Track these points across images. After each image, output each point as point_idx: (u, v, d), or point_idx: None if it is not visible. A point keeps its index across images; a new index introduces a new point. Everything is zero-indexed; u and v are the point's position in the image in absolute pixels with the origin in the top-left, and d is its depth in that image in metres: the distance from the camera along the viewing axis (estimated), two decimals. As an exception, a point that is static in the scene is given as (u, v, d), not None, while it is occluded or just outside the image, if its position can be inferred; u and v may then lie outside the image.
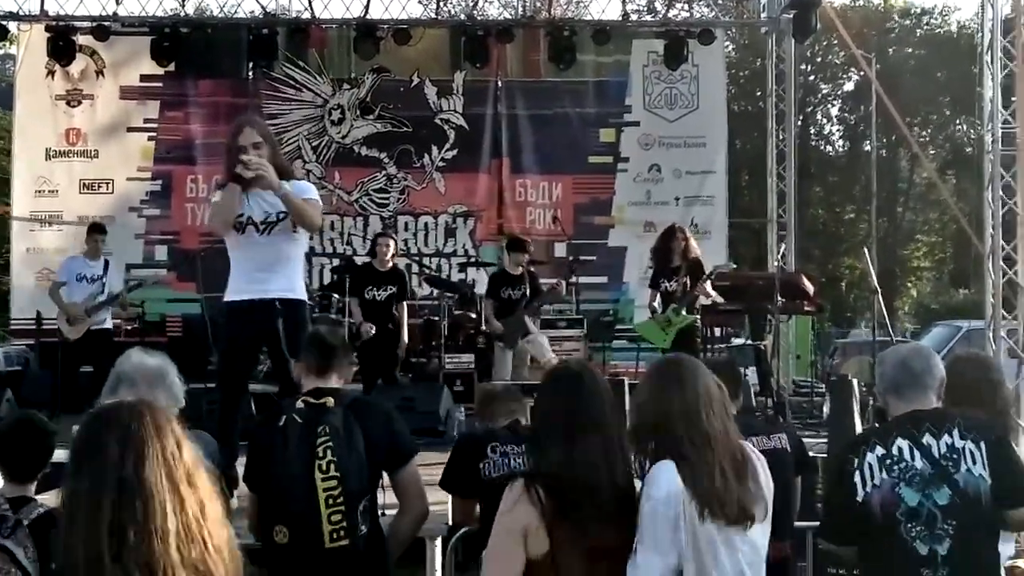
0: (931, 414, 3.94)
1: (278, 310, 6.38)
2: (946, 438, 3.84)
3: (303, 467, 4.17)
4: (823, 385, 12.52)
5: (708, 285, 10.96)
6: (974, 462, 3.82)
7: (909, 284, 38.63)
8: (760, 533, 3.60)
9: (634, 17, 15.97)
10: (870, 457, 3.86)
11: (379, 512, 4.46)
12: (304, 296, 6.75)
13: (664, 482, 3.49)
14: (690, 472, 3.49)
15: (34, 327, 14.54)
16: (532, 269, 12.05)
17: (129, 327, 12.04)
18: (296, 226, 6.50)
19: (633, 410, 3.80)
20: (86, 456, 2.44)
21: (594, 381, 3.69)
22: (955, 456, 3.81)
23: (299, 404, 4.36)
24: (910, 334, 28.25)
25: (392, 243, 11.93)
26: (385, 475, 4.46)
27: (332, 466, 4.16)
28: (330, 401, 4.31)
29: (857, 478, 3.86)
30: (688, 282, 10.86)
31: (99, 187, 15.42)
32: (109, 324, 11.55)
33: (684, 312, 10.78)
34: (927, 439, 3.85)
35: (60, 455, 4.49)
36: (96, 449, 2.44)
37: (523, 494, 3.46)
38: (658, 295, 11.23)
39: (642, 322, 11.64)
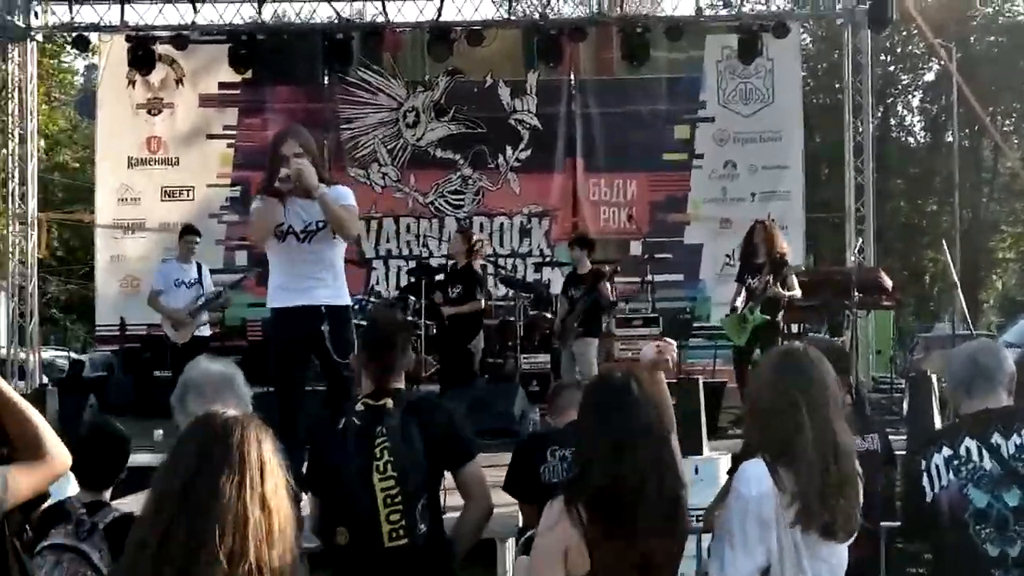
0: (1001, 412, 3.87)
1: (323, 315, 6.49)
2: (1015, 438, 3.77)
3: (361, 468, 4.22)
4: (903, 381, 12.33)
5: (791, 283, 10.71)
6: None
7: (994, 276, 37.88)
8: (846, 546, 3.52)
9: (708, 12, 15.81)
10: (937, 458, 3.80)
11: (442, 512, 4.48)
12: (348, 300, 6.83)
13: (755, 481, 3.42)
14: (792, 475, 3.38)
15: (118, 333, 14.84)
16: (602, 269, 11.84)
17: (210, 332, 12.18)
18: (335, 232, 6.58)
19: (751, 395, 3.73)
20: (168, 461, 2.51)
21: (642, 388, 3.54)
22: (1025, 457, 3.75)
23: (358, 406, 4.41)
24: (996, 327, 27.73)
25: (459, 238, 11.99)
26: (449, 476, 4.48)
27: (389, 466, 4.20)
28: (389, 403, 4.35)
29: (925, 480, 3.81)
30: (770, 280, 10.65)
31: (180, 194, 15.69)
32: (208, 331, 11.67)
33: (759, 311, 10.60)
34: (996, 439, 3.78)
35: (141, 459, 4.59)
36: (177, 455, 2.50)
37: (563, 513, 3.38)
38: (744, 290, 11.04)
39: (726, 317, 11.49)
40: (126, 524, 4.08)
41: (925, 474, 3.80)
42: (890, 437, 5.71)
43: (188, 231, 11.83)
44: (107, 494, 4.45)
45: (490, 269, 14.74)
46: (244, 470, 2.44)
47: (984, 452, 3.77)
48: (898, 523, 4.71)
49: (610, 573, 3.36)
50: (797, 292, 10.79)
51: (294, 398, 6.58)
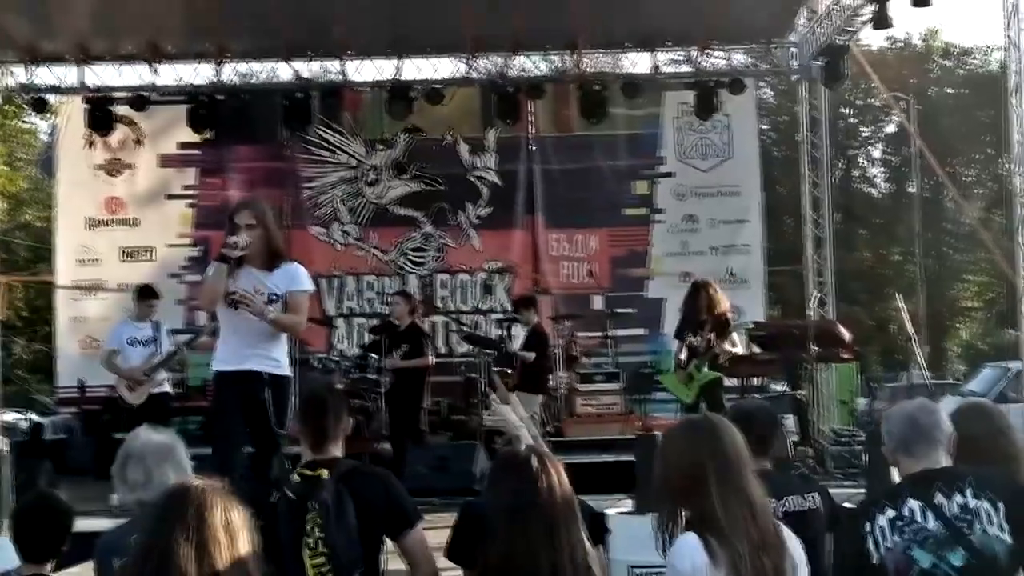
0: (942, 472, 3.84)
1: (265, 382, 6.63)
2: (958, 497, 3.74)
3: (291, 545, 4.18)
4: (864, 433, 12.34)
5: (733, 340, 10.78)
6: (991, 522, 3.70)
7: (958, 325, 38.11)
8: None
9: (668, 68, 16.02)
10: (881, 520, 3.77)
11: None
12: (289, 372, 6.97)
13: (688, 555, 3.40)
14: (722, 541, 3.37)
15: (78, 395, 14.71)
16: (537, 325, 12.31)
17: (173, 392, 12.05)
18: (285, 306, 6.70)
19: (659, 471, 3.67)
20: (144, 531, 2.61)
21: (542, 467, 3.55)
22: (969, 517, 3.70)
23: (294, 477, 4.40)
24: (961, 376, 27.90)
25: (399, 301, 12.26)
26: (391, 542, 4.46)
27: (320, 542, 4.17)
28: (324, 473, 4.32)
29: (870, 543, 3.77)
30: (712, 338, 10.67)
31: (140, 255, 15.67)
32: (168, 387, 11.45)
33: (706, 368, 10.60)
34: (939, 499, 3.75)
35: (98, 524, 4.54)
36: (150, 526, 2.59)
37: None
38: (684, 347, 11.03)
39: (668, 375, 11.51)
40: (67, 598, 4.05)
41: (870, 536, 3.77)
42: (851, 491, 5.69)
43: (147, 293, 11.62)
44: (49, 567, 4.39)
45: (452, 326, 14.83)
46: (203, 531, 2.52)
47: (928, 513, 3.73)
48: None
49: None
50: (739, 349, 10.85)
51: (231, 460, 6.60)
